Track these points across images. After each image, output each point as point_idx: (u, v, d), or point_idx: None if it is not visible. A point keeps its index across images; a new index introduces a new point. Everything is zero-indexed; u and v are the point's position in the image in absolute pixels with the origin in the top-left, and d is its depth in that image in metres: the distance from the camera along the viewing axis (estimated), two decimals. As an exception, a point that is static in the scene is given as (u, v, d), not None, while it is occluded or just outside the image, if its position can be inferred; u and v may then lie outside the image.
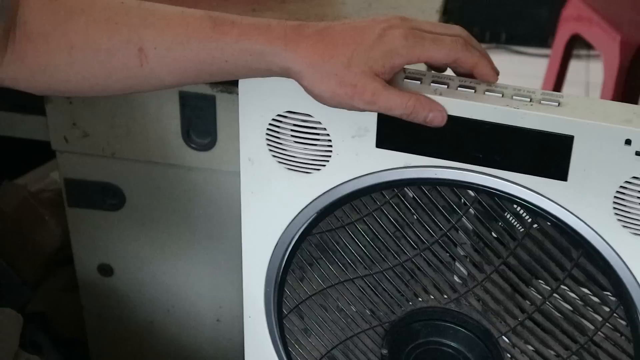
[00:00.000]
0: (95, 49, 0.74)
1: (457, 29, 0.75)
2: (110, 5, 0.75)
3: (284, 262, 0.83)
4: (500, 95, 0.72)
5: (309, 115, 0.76)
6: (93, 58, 0.75)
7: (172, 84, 0.77)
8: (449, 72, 0.75)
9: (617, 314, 0.74)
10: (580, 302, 0.75)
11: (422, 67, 0.76)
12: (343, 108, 0.73)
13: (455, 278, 0.79)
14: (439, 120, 0.72)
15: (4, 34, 0.74)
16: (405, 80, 0.74)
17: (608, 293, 0.74)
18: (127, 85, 0.77)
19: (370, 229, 0.79)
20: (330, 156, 0.77)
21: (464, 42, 0.73)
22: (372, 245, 0.79)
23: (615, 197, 0.70)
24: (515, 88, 0.73)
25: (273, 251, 0.83)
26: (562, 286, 0.75)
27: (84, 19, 0.74)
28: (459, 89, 0.73)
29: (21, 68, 0.76)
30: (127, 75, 0.75)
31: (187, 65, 0.74)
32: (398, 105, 0.71)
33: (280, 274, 0.84)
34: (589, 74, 2.94)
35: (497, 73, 0.74)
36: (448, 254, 0.77)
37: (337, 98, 0.72)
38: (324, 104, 0.73)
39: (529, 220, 0.74)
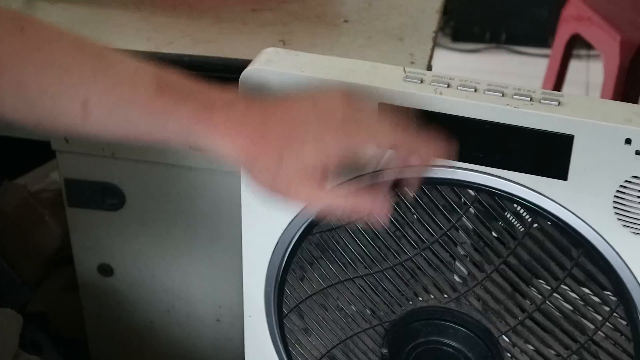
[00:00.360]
0: (42, 92, 0.71)
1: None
2: (67, 50, 0.72)
3: (284, 262, 0.83)
4: (501, 94, 0.72)
5: (309, 115, 0.76)
6: (38, 101, 0.71)
7: (114, 142, 0.74)
8: (449, 71, 0.75)
9: (617, 313, 0.74)
10: (580, 302, 0.75)
11: (421, 67, 0.76)
12: (282, 206, 0.72)
13: (456, 277, 0.79)
14: (377, 223, 0.71)
15: None
16: (406, 79, 0.74)
17: (608, 292, 0.74)
18: (69, 133, 0.74)
19: (371, 228, 0.78)
20: (330, 155, 0.77)
21: (401, 129, 0.70)
22: (372, 245, 0.79)
23: (615, 196, 0.70)
24: (515, 87, 0.73)
25: (273, 251, 0.83)
26: (562, 285, 0.75)
27: (40, 56, 0.71)
28: (459, 88, 0.73)
29: None
30: (70, 126, 0.72)
31: (129, 131, 0.72)
32: (335, 205, 0.70)
33: (281, 273, 0.84)
34: (589, 74, 2.94)
35: (430, 161, 0.72)
36: (448, 254, 0.77)
37: (274, 196, 0.70)
38: (265, 197, 0.71)
39: (529, 219, 0.74)
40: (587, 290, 0.75)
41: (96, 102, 0.71)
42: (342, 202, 0.70)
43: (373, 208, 0.70)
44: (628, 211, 0.71)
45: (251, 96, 0.74)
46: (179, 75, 0.72)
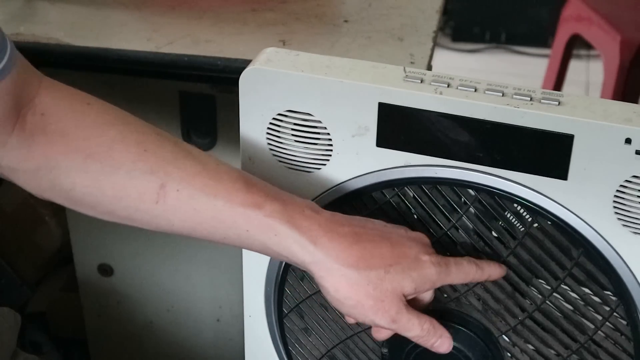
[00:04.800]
0: (115, 167, 0.68)
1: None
2: (146, 130, 0.70)
3: (284, 261, 0.83)
4: (501, 94, 0.72)
5: (310, 115, 0.76)
6: (109, 175, 0.68)
7: (179, 232, 0.71)
8: (449, 71, 0.75)
9: (617, 313, 0.74)
10: (580, 302, 0.75)
11: (421, 67, 0.76)
12: (358, 318, 0.72)
13: (456, 277, 0.79)
14: (444, 348, 0.73)
15: (10, 111, 0.68)
16: (406, 79, 0.74)
17: (608, 292, 0.74)
18: (132, 218, 0.71)
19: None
20: (330, 155, 0.77)
21: (475, 260, 0.74)
22: (372, 245, 0.79)
23: (615, 196, 0.70)
24: (515, 87, 0.73)
25: (273, 250, 0.83)
26: (563, 285, 0.75)
27: (113, 133, 0.69)
28: (459, 88, 0.73)
29: (25, 159, 0.69)
30: (137, 208, 0.70)
31: (204, 220, 0.69)
32: (416, 328, 0.71)
33: (281, 273, 0.83)
34: (589, 74, 2.94)
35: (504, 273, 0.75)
36: (448, 253, 0.77)
37: (360, 308, 0.70)
38: (340, 308, 0.71)
39: (529, 219, 0.74)
40: (587, 290, 0.75)
41: (174, 187, 0.68)
42: (422, 323, 0.72)
43: (442, 333, 0.73)
44: (628, 211, 0.71)
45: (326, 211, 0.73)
46: (260, 179, 0.72)
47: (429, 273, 0.71)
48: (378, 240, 0.71)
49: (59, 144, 0.68)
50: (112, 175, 0.68)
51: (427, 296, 0.74)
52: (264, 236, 0.69)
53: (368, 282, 0.69)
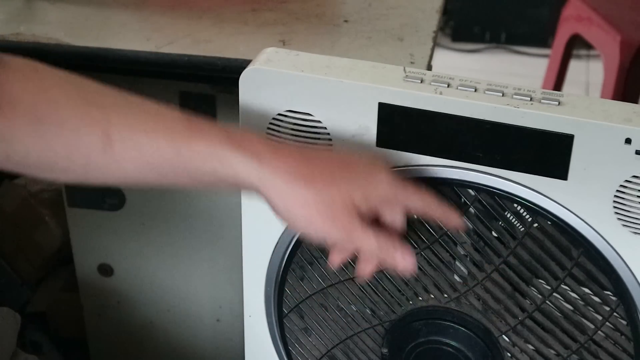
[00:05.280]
0: (61, 124, 0.70)
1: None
2: (88, 85, 0.72)
3: (284, 261, 0.83)
4: (501, 94, 0.72)
5: (310, 115, 0.76)
6: (57, 133, 0.70)
7: (133, 179, 0.72)
8: (449, 71, 0.75)
9: (617, 313, 0.74)
10: (580, 301, 0.75)
11: (421, 67, 0.76)
12: (312, 236, 0.71)
13: (456, 277, 0.79)
14: (407, 265, 0.71)
15: None
16: (406, 79, 0.74)
17: (608, 292, 0.74)
18: (86, 171, 0.72)
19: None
20: (330, 155, 0.77)
21: (437, 202, 0.72)
22: (372, 245, 0.79)
23: (615, 196, 0.70)
24: (515, 87, 0.73)
25: (273, 250, 0.83)
26: (563, 285, 0.75)
27: (56, 92, 0.70)
28: (459, 88, 0.73)
29: None
30: (88, 161, 0.71)
31: (153, 163, 0.70)
32: (372, 242, 0.70)
33: (281, 273, 0.84)
34: (589, 74, 2.94)
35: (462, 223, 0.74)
36: (448, 253, 0.77)
37: (313, 226, 0.69)
38: (294, 227, 0.71)
39: (529, 219, 0.74)
40: (587, 290, 0.75)
41: (118, 132, 0.69)
42: (377, 240, 0.70)
43: (403, 252, 0.71)
44: (628, 211, 0.71)
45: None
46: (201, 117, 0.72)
47: (380, 182, 0.70)
48: (326, 157, 0.71)
49: (8, 112, 0.69)
50: (60, 134, 0.70)
51: (396, 220, 0.72)
52: (210, 165, 0.69)
53: (318, 199, 0.68)
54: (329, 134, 0.77)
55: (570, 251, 0.74)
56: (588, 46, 2.73)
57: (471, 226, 0.76)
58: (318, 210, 0.69)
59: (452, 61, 3.01)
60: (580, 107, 0.71)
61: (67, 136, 0.70)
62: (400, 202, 0.72)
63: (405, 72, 0.74)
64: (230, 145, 0.69)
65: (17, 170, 0.72)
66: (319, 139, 0.77)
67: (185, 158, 0.69)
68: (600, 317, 0.75)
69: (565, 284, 0.75)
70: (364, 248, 0.71)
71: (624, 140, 0.68)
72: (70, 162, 0.71)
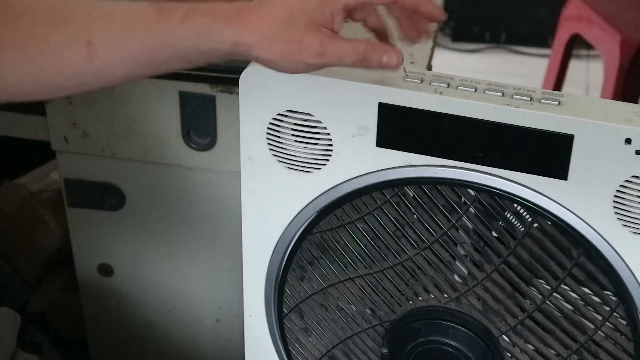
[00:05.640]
0: (44, 45, 0.73)
1: None
2: (55, 3, 0.75)
3: (284, 262, 0.83)
4: (501, 94, 0.72)
5: (310, 115, 0.76)
6: (43, 55, 0.73)
7: (124, 76, 0.76)
8: (449, 71, 0.75)
9: (617, 313, 0.74)
10: (580, 302, 0.75)
11: (421, 67, 0.76)
12: (299, 70, 0.72)
13: (456, 277, 0.79)
14: (394, 62, 0.71)
15: None
16: (406, 79, 0.74)
17: (608, 292, 0.74)
18: (79, 82, 0.76)
19: (371, 228, 0.79)
20: (330, 155, 0.77)
21: None
22: (372, 245, 0.79)
23: (615, 196, 0.70)
24: (515, 87, 0.73)
25: (273, 250, 0.83)
26: (563, 285, 0.75)
27: (31, 16, 0.74)
28: (459, 88, 0.73)
29: None
30: (78, 71, 0.74)
31: (137, 55, 0.74)
32: (349, 52, 0.71)
33: (281, 273, 0.84)
34: (589, 74, 2.94)
35: (440, 11, 0.74)
36: (448, 253, 0.77)
37: (288, 57, 0.71)
38: (279, 69, 0.72)
39: (529, 219, 0.74)
40: (587, 290, 0.75)
41: (99, 38, 0.73)
42: (355, 46, 0.71)
43: (386, 49, 0.71)
44: (628, 211, 0.71)
45: None
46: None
47: None
48: None
49: None
50: (45, 53, 0.74)
51: (369, 19, 0.75)
52: (189, 41, 0.72)
53: (281, 31, 0.70)
54: (329, 134, 0.77)
55: (570, 251, 0.74)
56: (588, 46, 2.73)
57: (471, 226, 0.76)
58: (286, 41, 0.70)
59: (452, 61, 3.01)
60: (580, 107, 0.71)
61: (53, 54, 0.74)
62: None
63: (405, 72, 0.75)
64: (201, 16, 0.72)
65: (12, 99, 0.77)
66: (319, 139, 0.77)
67: (167, 44, 0.73)
68: (600, 317, 0.75)
69: (565, 284, 0.75)
70: (347, 62, 0.71)
71: (624, 140, 0.68)
72: (60, 77, 0.75)
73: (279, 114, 0.77)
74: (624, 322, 0.75)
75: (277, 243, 0.83)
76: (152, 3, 0.74)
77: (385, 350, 0.82)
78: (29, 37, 0.74)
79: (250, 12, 0.71)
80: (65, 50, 0.73)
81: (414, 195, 0.77)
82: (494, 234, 0.75)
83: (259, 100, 0.77)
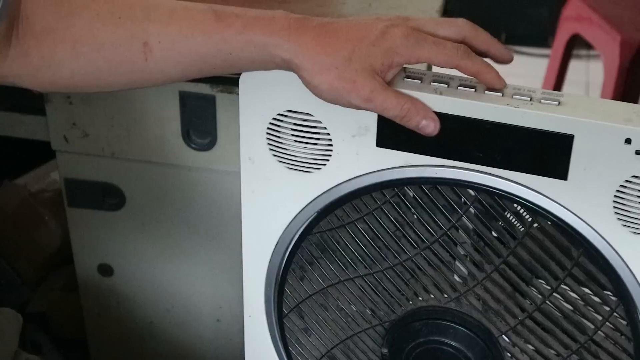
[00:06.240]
0: (100, 43, 0.74)
1: (461, 28, 0.77)
2: (112, 1, 0.75)
3: (284, 262, 0.83)
4: (501, 94, 0.72)
5: (310, 115, 0.76)
6: (98, 52, 0.74)
7: (176, 77, 0.77)
8: (449, 71, 0.75)
9: (617, 313, 0.74)
10: (580, 302, 0.75)
11: (421, 67, 0.76)
12: (339, 104, 0.73)
13: (456, 277, 0.79)
14: (430, 129, 0.72)
15: (7, 30, 0.74)
16: (406, 79, 0.74)
17: (608, 292, 0.74)
18: (131, 80, 0.77)
19: (371, 228, 0.79)
20: (330, 155, 0.77)
21: (464, 50, 0.73)
22: (372, 245, 0.79)
23: (615, 196, 0.70)
24: (515, 87, 0.73)
25: (273, 250, 0.83)
26: (563, 285, 0.75)
27: (88, 13, 0.74)
28: (459, 88, 0.73)
29: (25, 64, 0.75)
30: (132, 70, 0.75)
31: (192, 59, 0.74)
32: (394, 106, 0.71)
33: (281, 273, 0.84)
34: (589, 74, 2.94)
35: (502, 81, 0.73)
36: (448, 253, 0.77)
37: (335, 92, 0.71)
38: (321, 97, 0.73)
39: (529, 219, 0.74)
40: (587, 290, 0.75)
41: (156, 40, 0.73)
42: (401, 102, 0.71)
43: (426, 114, 0.72)
44: (628, 211, 0.71)
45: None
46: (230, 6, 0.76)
47: (397, 44, 0.71)
48: (345, 26, 0.73)
49: (47, 41, 0.74)
50: (100, 51, 0.74)
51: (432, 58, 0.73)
52: (245, 52, 0.73)
53: (336, 65, 0.71)
54: (329, 134, 0.77)
55: (570, 251, 0.74)
56: (588, 46, 2.73)
57: (471, 226, 0.76)
58: (337, 76, 0.71)
59: (452, 61, 3.01)
60: (581, 107, 0.71)
61: (108, 52, 0.75)
62: (415, 58, 0.72)
63: (405, 72, 0.75)
64: (260, 30, 0.72)
65: (65, 91, 0.81)
66: (319, 139, 0.77)
67: (223, 52, 0.73)
68: (600, 317, 0.75)
69: (565, 284, 0.75)
70: (389, 115, 0.72)
71: (624, 140, 0.68)
72: (114, 75, 0.76)
73: (279, 114, 0.77)
74: (624, 322, 0.75)
75: (277, 243, 0.83)
76: (211, 8, 0.74)
77: (385, 351, 0.82)
78: (85, 34, 0.74)
79: (309, 34, 0.72)
80: (120, 49, 0.74)
81: (413, 195, 0.77)
82: (494, 234, 0.75)
83: (259, 100, 0.77)
